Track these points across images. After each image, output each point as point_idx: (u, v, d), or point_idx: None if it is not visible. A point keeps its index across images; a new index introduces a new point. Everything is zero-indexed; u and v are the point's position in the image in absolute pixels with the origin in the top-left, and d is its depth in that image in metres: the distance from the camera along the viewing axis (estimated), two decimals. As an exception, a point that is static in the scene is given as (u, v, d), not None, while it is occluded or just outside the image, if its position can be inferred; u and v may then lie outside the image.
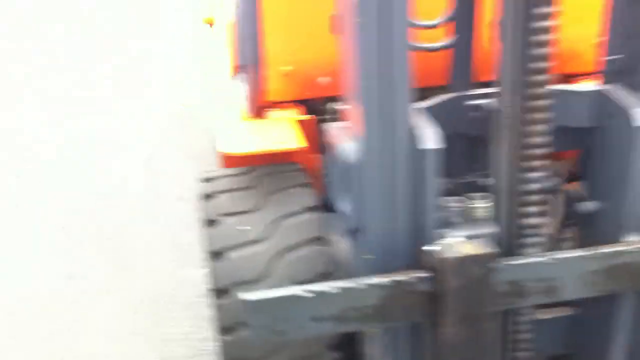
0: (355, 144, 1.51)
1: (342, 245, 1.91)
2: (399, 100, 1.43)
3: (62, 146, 3.61)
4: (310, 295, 1.49)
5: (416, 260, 1.57)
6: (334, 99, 2.15)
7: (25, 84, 4.19)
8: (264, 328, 1.51)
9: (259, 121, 2.05)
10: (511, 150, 1.55)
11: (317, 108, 2.14)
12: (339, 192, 1.63)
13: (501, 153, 1.58)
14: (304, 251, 1.80)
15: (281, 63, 1.95)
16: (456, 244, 1.50)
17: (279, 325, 1.52)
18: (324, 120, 2.13)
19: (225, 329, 1.73)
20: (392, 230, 1.59)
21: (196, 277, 2.68)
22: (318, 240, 1.83)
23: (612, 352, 1.82)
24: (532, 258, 1.58)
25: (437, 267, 1.49)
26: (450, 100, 1.66)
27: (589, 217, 1.80)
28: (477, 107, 1.67)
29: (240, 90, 2.09)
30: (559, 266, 1.59)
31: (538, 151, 1.54)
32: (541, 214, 1.65)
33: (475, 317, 1.55)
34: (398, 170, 1.50)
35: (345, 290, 1.51)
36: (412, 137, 1.48)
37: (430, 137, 1.46)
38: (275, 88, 2.00)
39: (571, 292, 1.64)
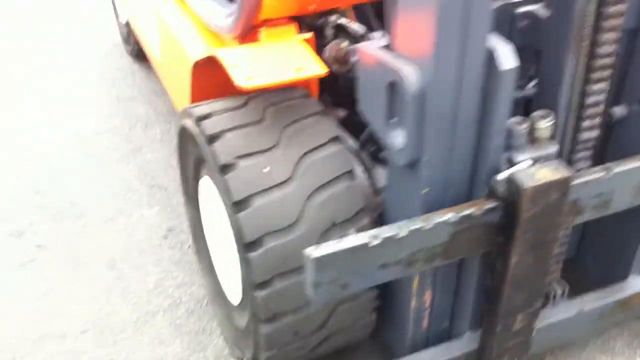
0: (415, 67, 1.34)
1: (381, 179, 1.77)
2: (479, 13, 1.26)
3: None
4: (377, 242, 1.36)
5: (485, 190, 1.48)
6: (330, 12, 1.92)
7: None
8: (329, 284, 1.37)
9: (262, 44, 1.80)
10: (579, 60, 1.45)
11: (312, 24, 1.91)
12: (382, 122, 1.46)
13: (564, 64, 1.48)
14: (336, 188, 1.63)
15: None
16: (531, 170, 1.41)
17: (344, 278, 1.39)
18: (323, 39, 1.91)
19: (260, 284, 1.57)
20: (455, 160, 1.47)
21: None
22: (349, 174, 1.66)
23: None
24: (594, 174, 1.53)
25: (514, 196, 1.40)
26: (498, 9, 1.51)
27: (622, 121, 1.77)
28: (528, 15, 1.53)
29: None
30: (615, 179, 1.55)
31: (608, 60, 1.45)
32: (597, 126, 1.59)
33: (543, 242, 1.49)
34: (469, 94, 1.36)
35: (414, 231, 1.39)
36: (488, 57, 1.33)
37: (507, 56, 1.32)
38: (271, 3, 1.74)
39: (622, 203, 1.62)
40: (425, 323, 1.78)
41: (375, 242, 1.35)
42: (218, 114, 1.72)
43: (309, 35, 1.83)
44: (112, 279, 2.34)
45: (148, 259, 2.43)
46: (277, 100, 1.75)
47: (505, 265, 1.51)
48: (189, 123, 1.78)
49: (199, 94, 2.08)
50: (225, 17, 1.91)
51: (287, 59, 1.67)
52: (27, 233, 2.55)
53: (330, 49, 1.89)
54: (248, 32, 1.85)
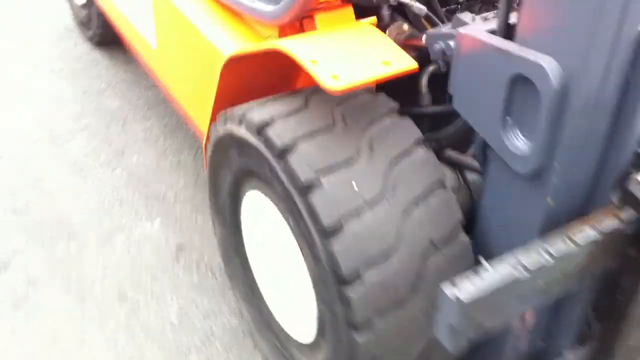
0: (553, 58, 1.16)
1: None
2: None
3: None
4: (528, 274, 1.19)
5: (607, 195, 1.32)
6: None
7: None
8: (467, 326, 1.19)
9: (326, 32, 1.56)
10: None
11: (364, 5, 1.68)
12: (496, 122, 1.28)
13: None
14: (431, 200, 1.44)
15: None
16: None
17: (483, 318, 1.20)
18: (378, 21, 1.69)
19: (360, 325, 1.36)
20: (585, 164, 1.30)
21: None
22: (442, 182, 1.47)
23: None
24: None
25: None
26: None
27: None
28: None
29: None
30: None
31: None
32: None
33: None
34: (614, 86, 1.19)
35: (561, 255, 1.21)
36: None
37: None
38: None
39: None
40: (522, 342, 1.62)
41: (526, 274, 1.18)
42: (281, 118, 1.49)
43: (373, 19, 1.60)
44: (126, 313, 2.08)
45: (163, 286, 2.18)
46: (342, 98, 1.53)
47: (636, 283, 1.36)
48: (241, 131, 1.54)
49: (224, 93, 1.83)
50: (268, 2, 1.65)
51: (366, 50, 1.46)
52: (13, 265, 2.23)
53: (389, 33, 1.67)
54: (300, 19, 1.60)
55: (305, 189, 1.38)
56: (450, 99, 1.44)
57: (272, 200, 1.59)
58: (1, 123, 2.88)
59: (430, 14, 1.73)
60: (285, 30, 1.74)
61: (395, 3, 1.68)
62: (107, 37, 3.29)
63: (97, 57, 3.38)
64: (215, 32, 1.88)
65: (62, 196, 2.51)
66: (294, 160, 1.41)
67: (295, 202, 1.41)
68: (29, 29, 3.61)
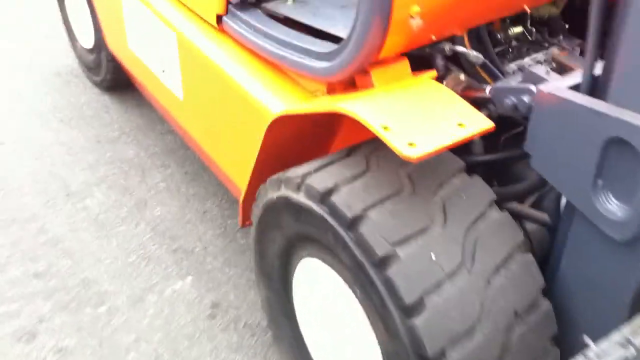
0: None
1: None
2: None
3: None
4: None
5: None
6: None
7: None
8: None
9: (387, 90, 1.49)
10: None
11: (417, 55, 1.62)
12: (586, 185, 1.22)
13: None
14: (512, 267, 1.37)
15: (410, 1, 1.38)
16: None
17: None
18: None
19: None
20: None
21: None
22: (521, 245, 1.41)
23: None
24: None
25: None
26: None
27: None
28: None
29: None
30: None
31: None
32: None
33: None
34: None
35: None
36: None
37: None
38: (393, 39, 1.43)
39: None
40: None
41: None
42: (346, 185, 1.42)
43: (433, 73, 1.54)
44: (168, 382, 1.97)
45: (202, 348, 2.08)
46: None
47: None
48: (301, 198, 1.48)
49: (268, 150, 1.76)
50: (319, 58, 1.58)
51: (437, 110, 1.39)
52: (40, 334, 2.13)
53: (446, 84, 1.61)
54: (355, 75, 1.53)
55: (382, 263, 1.31)
56: (524, 155, 1.39)
57: (336, 270, 1.51)
58: (15, 180, 2.78)
59: (487, 62, 1.67)
60: (334, 85, 1.68)
61: (450, 53, 1.62)
62: (117, 82, 3.21)
63: (107, 103, 3.29)
64: (258, 88, 1.81)
65: (85, 257, 2.41)
66: (366, 231, 1.33)
67: (367, 274, 1.34)
68: (31, 73, 3.52)
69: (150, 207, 2.66)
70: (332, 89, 1.70)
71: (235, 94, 1.88)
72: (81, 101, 3.31)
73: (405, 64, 1.57)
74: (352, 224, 1.35)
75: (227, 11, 1.95)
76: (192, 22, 2.07)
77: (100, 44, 3.05)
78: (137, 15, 2.35)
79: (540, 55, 1.85)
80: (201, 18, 2.04)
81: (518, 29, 1.79)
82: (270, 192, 1.63)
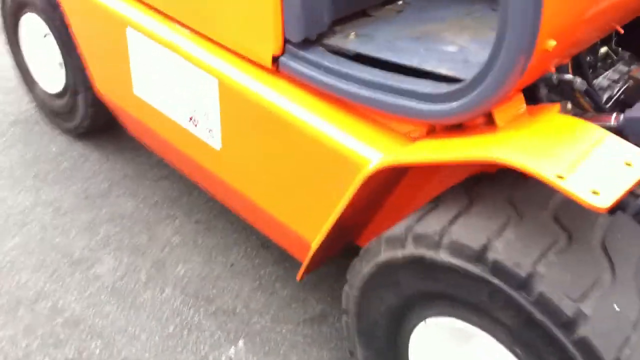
0: None
1: None
2: None
3: None
4: None
5: None
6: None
7: None
8: None
9: (524, 129, 1.44)
10: None
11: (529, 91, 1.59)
12: None
13: None
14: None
15: (547, 34, 1.33)
16: None
17: None
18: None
19: None
20: None
21: None
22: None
23: None
24: None
25: None
26: None
27: None
28: None
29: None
30: None
31: None
32: None
33: None
34: None
35: None
36: None
37: None
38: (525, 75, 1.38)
39: None
40: None
41: None
42: (496, 238, 1.36)
43: (557, 106, 1.51)
44: None
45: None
46: (542, 199, 1.42)
47: None
48: (443, 256, 1.39)
49: (355, 205, 1.68)
50: (429, 100, 1.51)
51: (594, 149, 1.35)
52: None
53: (555, 116, 1.57)
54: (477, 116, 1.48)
55: (571, 323, 1.25)
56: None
57: (486, 329, 1.44)
58: (3, 256, 2.50)
59: (591, 88, 1.65)
60: (436, 127, 1.61)
61: (556, 82, 1.59)
62: (94, 128, 2.98)
63: (83, 151, 3.04)
64: (342, 136, 1.71)
65: (116, 335, 2.20)
66: (546, 290, 1.28)
67: (549, 335, 1.28)
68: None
69: (170, 266, 2.47)
70: (432, 131, 1.63)
71: (310, 143, 1.77)
72: (52, 151, 3.04)
73: (520, 99, 1.52)
74: (525, 283, 1.28)
75: (283, 51, 1.83)
76: (236, 65, 1.93)
77: (75, 87, 2.81)
78: (154, 59, 2.17)
79: (612, 74, 1.86)
80: (249, 60, 1.90)
81: (604, 49, 1.79)
82: (388, 250, 1.53)
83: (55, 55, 2.89)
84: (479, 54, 1.66)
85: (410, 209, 1.77)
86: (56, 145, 3.08)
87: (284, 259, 2.48)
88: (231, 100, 1.97)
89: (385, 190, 1.82)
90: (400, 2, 2.03)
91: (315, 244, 1.88)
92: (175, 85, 2.15)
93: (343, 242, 2.05)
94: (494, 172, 1.55)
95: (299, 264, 1.96)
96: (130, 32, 2.22)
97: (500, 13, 1.32)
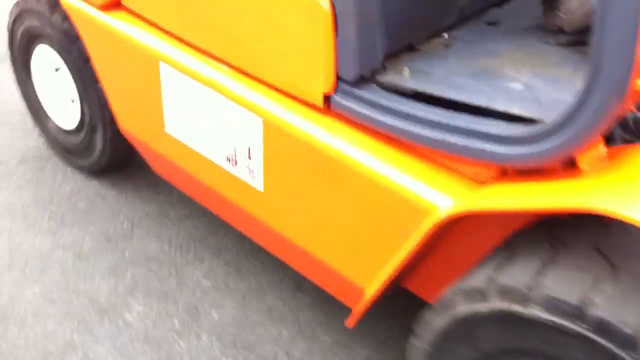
0: None
1: None
2: None
3: None
4: None
5: None
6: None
7: None
8: None
9: (619, 175, 1.38)
10: None
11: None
12: None
13: None
14: None
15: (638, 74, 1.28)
16: None
17: None
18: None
19: None
20: None
21: None
22: None
23: None
24: None
25: None
26: None
27: None
28: None
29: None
30: None
31: None
32: None
33: None
34: None
35: None
36: None
37: None
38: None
39: None
40: None
41: None
42: (594, 292, 1.29)
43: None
44: None
45: None
46: (633, 248, 1.37)
47: None
48: (534, 312, 1.34)
49: (418, 252, 1.62)
50: (507, 143, 1.45)
51: None
52: None
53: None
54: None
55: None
56: None
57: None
58: (23, 306, 2.40)
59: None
60: (508, 170, 1.55)
61: (632, 122, 1.54)
62: (111, 165, 2.89)
63: (99, 190, 2.95)
64: (407, 180, 1.64)
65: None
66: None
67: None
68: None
69: (204, 312, 2.38)
70: (502, 173, 1.57)
71: (367, 186, 1.70)
72: (67, 190, 2.95)
73: (599, 140, 1.47)
74: (634, 341, 1.22)
75: (335, 89, 1.76)
76: (283, 104, 1.87)
77: (93, 123, 2.73)
78: (190, 96, 2.10)
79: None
80: (297, 99, 1.84)
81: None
82: (467, 303, 1.46)
83: (70, 90, 2.80)
84: (549, 93, 1.62)
85: (466, 252, 1.71)
86: (70, 183, 2.98)
87: (321, 301, 2.40)
88: (277, 140, 1.90)
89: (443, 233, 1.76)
90: (446, 36, 1.98)
91: (371, 290, 1.81)
92: (213, 124, 2.08)
93: (394, 286, 1.99)
94: (568, 216, 1.49)
95: (339, 307, 1.91)
96: (163, 68, 2.14)
97: (592, 55, 1.27)
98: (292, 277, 2.50)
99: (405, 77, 1.77)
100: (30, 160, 3.12)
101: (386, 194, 1.67)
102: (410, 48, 1.91)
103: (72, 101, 2.87)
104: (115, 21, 2.28)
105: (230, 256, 2.61)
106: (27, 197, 2.90)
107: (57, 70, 2.85)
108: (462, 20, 2.02)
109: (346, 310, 2.03)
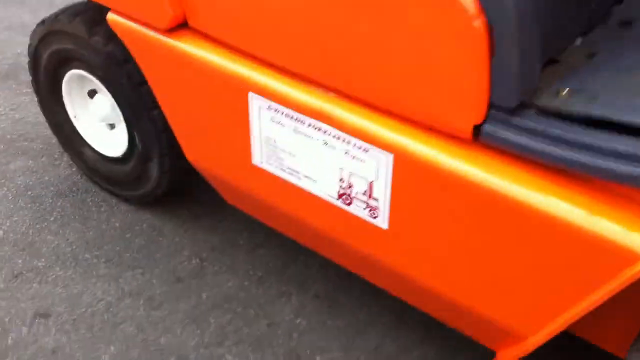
0: None
1: None
2: None
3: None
4: None
5: None
6: None
7: None
8: None
9: None
10: None
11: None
12: None
13: None
14: None
15: None
16: None
17: None
18: None
19: None
20: None
21: None
22: None
23: None
24: None
25: None
26: None
27: None
28: None
29: None
30: None
31: None
32: None
33: None
34: None
35: None
36: None
37: None
38: None
39: None
40: None
41: None
42: None
43: None
44: None
45: None
46: None
47: None
48: None
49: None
50: None
51: None
52: None
53: None
54: None
55: None
56: None
57: None
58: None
59: None
60: None
61: None
62: (165, 195, 2.68)
63: (153, 223, 2.74)
64: (592, 220, 1.48)
65: None
66: None
67: None
68: (28, 202, 2.84)
69: (307, 358, 2.20)
70: None
71: (543, 228, 1.53)
72: (117, 226, 2.73)
73: None
74: None
75: (486, 118, 1.58)
76: (419, 137, 1.68)
77: (147, 153, 2.51)
78: (290, 129, 1.90)
79: None
80: (437, 130, 1.66)
81: None
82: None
83: (112, 116, 2.58)
84: None
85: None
86: (119, 217, 2.76)
87: (430, 339, 2.25)
88: (412, 176, 1.71)
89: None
90: (579, 42, 1.81)
91: (535, 340, 1.66)
92: (321, 159, 1.88)
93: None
94: None
95: (455, 345, 1.75)
96: (254, 98, 1.93)
97: None
98: (392, 311, 2.34)
99: (565, 98, 1.59)
100: (67, 194, 2.88)
101: (566, 237, 1.51)
102: (550, 61, 1.73)
103: (112, 127, 2.65)
104: (186, 46, 2.04)
105: (318, 288, 2.44)
106: (74, 237, 2.67)
107: (94, 94, 2.62)
108: (591, 21, 1.85)
109: (464, 345, 1.89)
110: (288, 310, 2.36)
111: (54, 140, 3.09)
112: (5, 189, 2.89)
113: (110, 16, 2.22)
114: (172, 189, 2.67)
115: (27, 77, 3.55)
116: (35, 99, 3.42)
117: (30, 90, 3.49)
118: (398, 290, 2.08)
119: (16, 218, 2.75)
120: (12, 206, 2.81)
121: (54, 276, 2.50)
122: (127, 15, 2.17)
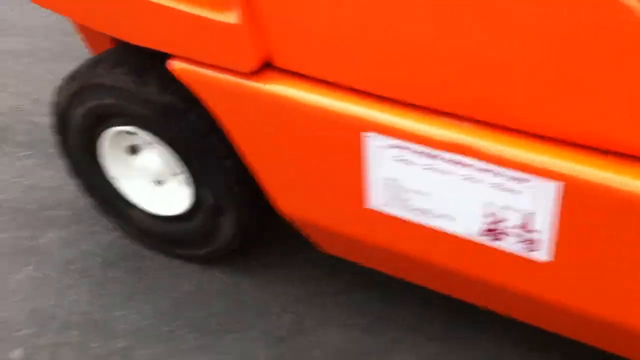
0: None
1: None
2: None
3: None
4: None
5: None
6: None
7: None
8: None
9: None
10: None
11: None
12: None
13: None
14: None
15: None
16: None
17: None
18: None
19: None
20: None
21: None
22: None
23: None
24: None
25: None
26: None
27: None
28: None
29: None
30: None
31: None
32: None
33: None
34: None
35: None
36: None
37: None
38: None
39: None
40: None
41: None
42: None
43: None
44: None
45: None
46: None
47: None
48: None
49: None
50: None
51: None
52: None
53: None
54: None
55: None
56: None
57: None
58: None
59: None
60: None
61: None
62: (234, 251, 2.51)
63: (228, 282, 2.56)
64: None
65: None
66: None
67: None
68: (76, 276, 2.62)
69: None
70: None
71: None
72: (189, 291, 2.53)
73: None
74: None
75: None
76: (590, 161, 1.56)
77: (218, 206, 2.33)
78: (419, 167, 1.76)
79: None
80: (613, 153, 1.55)
81: None
82: None
83: (166, 172, 2.41)
84: None
85: None
86: (186, 281, 2.57)
87: None
88: (585, 205, 1.60)
89: None
90: None
91: None
92: (460, 194, 1.75)
93: None
94: None
95: None
96: (371, 138, 1.78)
97: None
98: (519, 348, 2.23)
99: None
100: (117, 262, 2.67)
101: None
102: None
103: (159, 184, 2.47)
104: (276, 87, 1.88)
105: (431, 330, 2.30)
106: (146, 310, 2.47)
107: (134, 151, 2.45)
108: None
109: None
110: (408, 356, 2.23)
111: (81, 204, 2.88)
112: (45, 267, 2.67)
113: (174, 63, 2.03)
114: (248, 244, 2.49)
115: (23, 138, 3.32)
116: (41, 162, 3.22)
117: (30, 152, 3.25)
118: (556, 323, 1.97)
119: (71, 297, 2.53)
120: (59, 285, 2.58)
121: (142, 356, 2.30)
122: (196, 62, 1.99)
